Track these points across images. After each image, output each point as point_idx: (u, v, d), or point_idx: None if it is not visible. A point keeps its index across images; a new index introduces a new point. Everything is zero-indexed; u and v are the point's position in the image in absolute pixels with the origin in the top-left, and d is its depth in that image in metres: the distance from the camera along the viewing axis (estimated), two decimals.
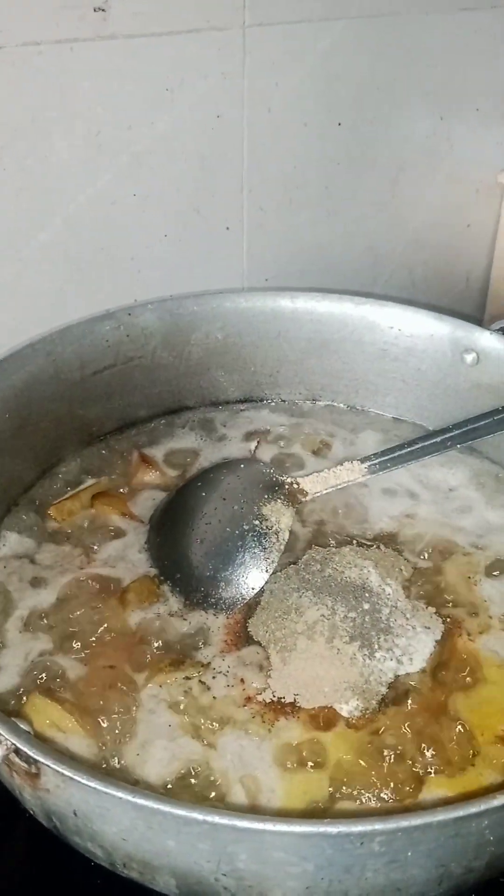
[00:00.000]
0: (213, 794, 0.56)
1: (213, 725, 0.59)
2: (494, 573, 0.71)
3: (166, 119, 0.85)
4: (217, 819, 0.45)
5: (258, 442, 0.84)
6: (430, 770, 0.57)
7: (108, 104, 0.82)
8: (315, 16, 0.88)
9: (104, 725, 0.59)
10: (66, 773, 0.47)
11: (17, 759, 0.49)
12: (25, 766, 0.49)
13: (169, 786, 0.56)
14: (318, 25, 0.88)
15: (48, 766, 0.48)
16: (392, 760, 0.57)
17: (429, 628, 0.65)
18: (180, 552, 0.70)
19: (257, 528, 0.70)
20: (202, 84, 0.85)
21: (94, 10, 0.77)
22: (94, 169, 0.84)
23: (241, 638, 0.65)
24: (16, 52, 0.76)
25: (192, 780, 0.56)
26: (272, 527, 0.71)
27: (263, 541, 0.70)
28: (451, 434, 0.78)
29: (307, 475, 0.77)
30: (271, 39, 0.86)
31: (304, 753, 0.57)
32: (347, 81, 0.93)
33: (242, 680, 0.62)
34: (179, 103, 0.85)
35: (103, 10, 0.77)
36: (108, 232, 0.88)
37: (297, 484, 0.76)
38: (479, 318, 1.18)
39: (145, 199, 0.88)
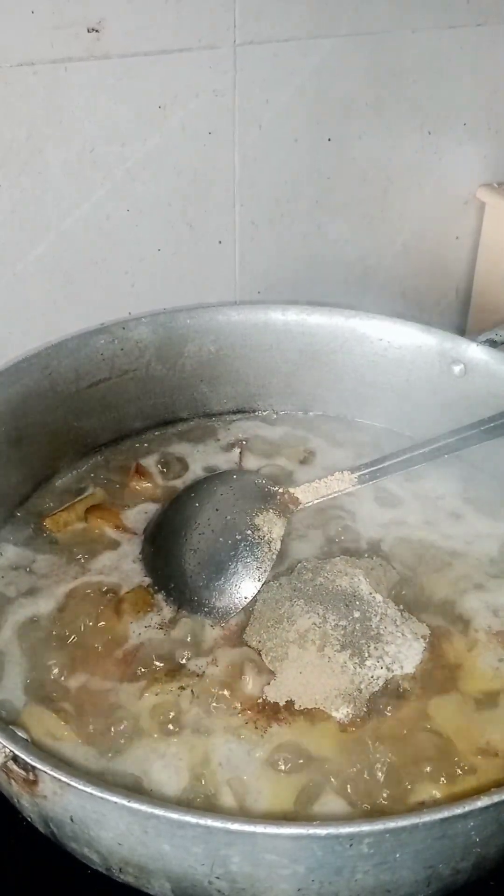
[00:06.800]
0: (204, 798, 0.57)
1: (207, 732, 0.60)
2: (482, 581, 0.72)
3: (159, 136, 0.87)
4: (210, 822, 0.45)
5: (241, 451, 0.85)
6: (416, 775, 0.57)
7: (102, 121, 0.83)
8: (304, 34, 0.89)
9: (100, 734, 0.60)
10: (64, 779, 0.48)
11: (15, 767, 0.50)
12: (23, 773, 0.50)
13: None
14: (307, 43, 0.90)
15: (46, 772, 0.48)
16: (380, 765, 0.58)
17: (418, 636, 0.66)
18: (174, 562, 0.71)
19: (250, 538, 0.71)
20: (194, 101, 0.87)
21: (88, 31, 0.79)
22: (88, 185, 0.85)
23: (235, 646, 0.66)
24: (11, 72, 0.77)
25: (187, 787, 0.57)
26: (264, 536, 0.71)
27: (256, 550, 0.70)
28: (440, 444, 0.78)
29: (298, 486, 0.78)
30: (261, 57, 0.88)
31: (293, 758, 0.58)
32: (336, 98, 0.94)
33: (235, 688, 0.63)
34: (172, 120, 0.86)
35: (97, 30, 0.79)
36: (102, 246, 0.89)
37: (289, 494, 0.77)
38: (469, 329, 1.19)
39: (139, 214, 0.89)
